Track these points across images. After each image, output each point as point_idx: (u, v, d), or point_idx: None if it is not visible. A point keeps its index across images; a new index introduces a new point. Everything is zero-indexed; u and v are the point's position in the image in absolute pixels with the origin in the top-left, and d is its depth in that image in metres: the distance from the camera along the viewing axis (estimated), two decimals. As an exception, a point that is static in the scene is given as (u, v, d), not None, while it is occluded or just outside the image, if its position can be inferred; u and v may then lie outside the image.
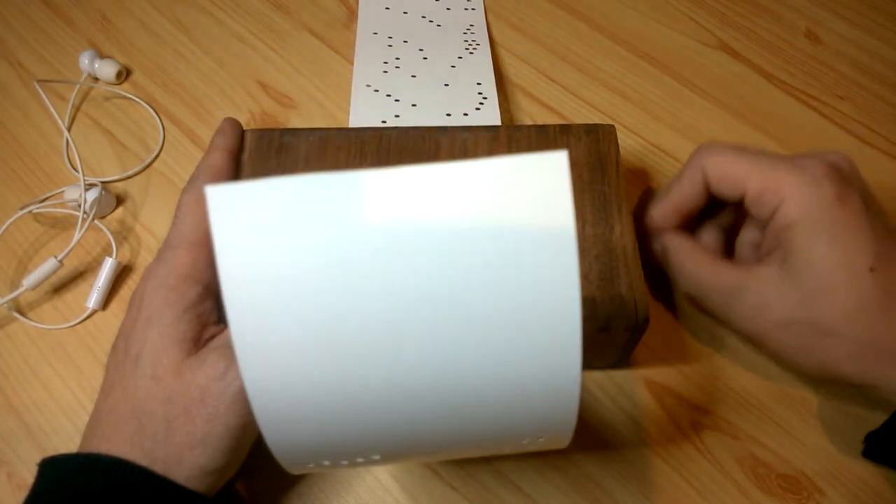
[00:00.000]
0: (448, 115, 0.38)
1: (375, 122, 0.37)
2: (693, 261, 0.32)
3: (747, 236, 0.33)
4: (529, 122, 0.43)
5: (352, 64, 0.42)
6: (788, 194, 0.29)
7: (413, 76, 0.41)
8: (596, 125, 0.34)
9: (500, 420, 0.20)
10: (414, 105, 0.38)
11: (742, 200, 0.31)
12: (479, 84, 0.39)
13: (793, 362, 0.30)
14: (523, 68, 0.45)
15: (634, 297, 0.29)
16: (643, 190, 0.40)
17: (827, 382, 0.34)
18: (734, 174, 0.30)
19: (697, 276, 0.31)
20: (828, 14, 0.48)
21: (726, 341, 0.35)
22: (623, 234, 0.31)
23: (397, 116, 0.37)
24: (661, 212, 0.33)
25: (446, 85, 0.39)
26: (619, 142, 0.34)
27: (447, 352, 0.19)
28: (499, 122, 0.39)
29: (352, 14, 0.48)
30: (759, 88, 0.44)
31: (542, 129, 0.34)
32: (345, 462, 0.22)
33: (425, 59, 0.42)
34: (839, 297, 0.28)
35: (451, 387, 0.19)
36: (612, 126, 0.34)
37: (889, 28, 0.47)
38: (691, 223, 0.34)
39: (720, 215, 0.34)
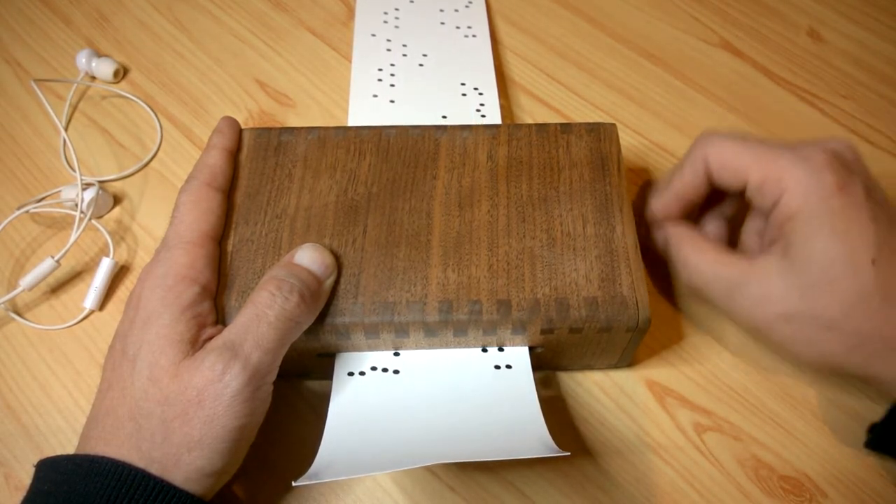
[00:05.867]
0: (441, 21, 0.43)
1: (378, 49, 0.40)
2: (695, 252, 0.31)
3: (752, 225, 0.33)
4: (530, 121, 0.43)
5: (350, 62, 0.42)
6: (789, 185, 0.28)
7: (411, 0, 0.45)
8: (597, 124, 0.34)
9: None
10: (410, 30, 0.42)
11: (744, 190, 0.31)
12: (469, 27, 0.44)
13: (794, 355, 0.30)
14: (524, 67, 0.45)
15: (636, 297, 0.29)
16: (643, 182, 0.40)
17: (829, 375, 0.34)
18: (736, 164, 0.30)
19: (699, 268, 0.31)
20: (830, 12, 0.47)
21: (728, 342, 0.35)
22: (624, 234, 0.31)
23: (401, 38, 0.41)
24: (663, 202, 0.33)
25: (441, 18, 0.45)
26: (621, 140, 0.34)
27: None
28: (499, 121, 0.38)
29: (350, 12, 0.47)
30: (761, 87, 0.44)
31: (542, 127, 0.34)
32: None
33: None
34: (839, 290, 0.28)
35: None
36: (614, 125, 0.34)
37: (891, 26, 0.47)
38: (694, 213, 0.34)
39: (724, 204, 0.34)
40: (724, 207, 0.34)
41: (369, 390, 0.30)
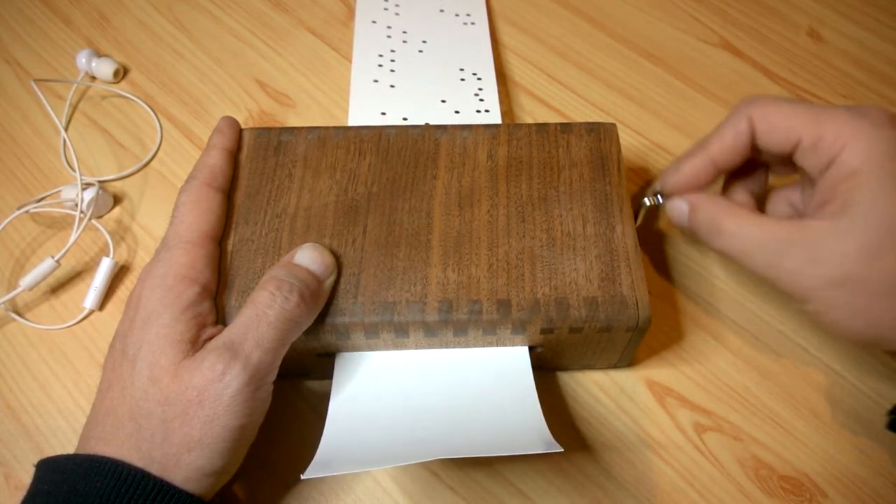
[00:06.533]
0: (441, 8, 0.44)
1: (378, 46, 0.41)
2: (732, 217, 0.29)
3: (778, 210, 0.31)
4: (530, 121, 0.43)
5: (350, 62, 0.42)
6: (851, 140, 0.26)
7: None
8: (597, 123, 0.34)
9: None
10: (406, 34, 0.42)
11: (792, 153, 0.29)
12: (468, 15, 0.45)
13: (838, 324, 0.27)
14: (524, 67, 0.45)
15: (636, 297, 0.29)
16: (643, 183, 0.40)
17: (863, 348, 0.32)
18: (787, 122, 0.28)
19: (740, 233, 0.29)
20: (830, 12, 0.47)
21: (729, 342, 0.35)
22: (624, 234, 0.31)
23: (401, 25, 0.42)
24: (694, 166, 0.30)
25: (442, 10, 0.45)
26: (621, 140, 0.34)
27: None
28: (499, 121, 0.39)
29: (350, 12, 0.47)
30: (761, 87, 0.44)
31: (542, 127, 0.34)
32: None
33: None
34: None
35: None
36: (614, 124, 0.34)
37: (891, 26, 0.47)
38: (723, 186, 0.32)
39: (750, 180, 0.32)
40: (750, 183, 0.32)
41: (371, 372, 0.30)
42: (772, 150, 0.29)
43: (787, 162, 0.30)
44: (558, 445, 0.25)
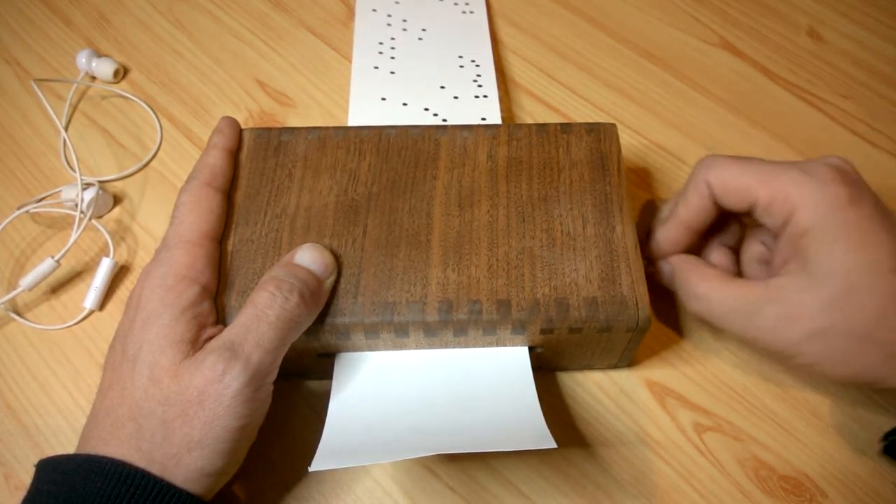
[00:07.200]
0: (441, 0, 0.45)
1: (379, 30, 0.42)
2: (705, 282, 0.30)
3: (752, 252, 0.32)
4: (530, 121, 0.43)
5: (350, 62, 0.42)
6: (800, 201, 0.28)
7: None
8: (597, 124, 0.34)
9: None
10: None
11: (751, 211, 0.30)
12: (467, 4, 0.47)
13: (828, 373, 0.28)
14: (525, 67, 0.45)
15: (636, 297, 0.29)
16: (643, 204, 0.40)
17: (860, 388, 0.33)
18: (740, 185, 0.30)
19: (712, 297, 0.30)
20: (830, 12, 0.47)
21: (728, 342, 0.35)
22: (624, 234, 0.31)
23: (401, 13, 0.42)
24: (670, 233, 0.32)
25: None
26: (621, 140, 0.34)
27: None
28: (499, 121, 0.39)
29: (350, 12, 0.47)
30: (761, 87, 0.44)
31: (542, 127, 0.34)
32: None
33: None
34: (866, 300, 0.27)
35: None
36: (614, 125, 0.34)
37: (891, 26, 0.47)
38: (699, 244, 0.33)
39: (725, 234, 0.33)
40: (725, 237, 0.33)
41: (371, 372, 0.30)
42: (732, 209, 0.31)
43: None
44: (554, 442, 0.25)
